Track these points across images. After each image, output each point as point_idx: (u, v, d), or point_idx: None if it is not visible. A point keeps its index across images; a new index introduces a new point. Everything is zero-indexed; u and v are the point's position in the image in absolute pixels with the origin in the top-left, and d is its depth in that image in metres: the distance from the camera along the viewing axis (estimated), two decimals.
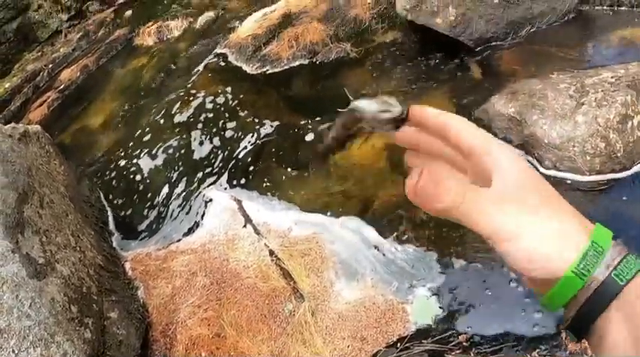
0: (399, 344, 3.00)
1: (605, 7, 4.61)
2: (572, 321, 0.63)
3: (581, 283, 0.59)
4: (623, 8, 4.51)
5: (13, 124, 3.95)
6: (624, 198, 3.22)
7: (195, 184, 4.54)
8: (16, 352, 2.71)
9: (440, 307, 3.10)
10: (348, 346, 3.06)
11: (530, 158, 3.53)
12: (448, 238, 3.43)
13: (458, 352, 2.89)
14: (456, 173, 0.73)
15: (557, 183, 3.32)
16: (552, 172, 3.41)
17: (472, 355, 2.86)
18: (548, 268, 0.61)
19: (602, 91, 3.45)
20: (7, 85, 7.36)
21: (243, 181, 4.38)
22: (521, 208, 0.63)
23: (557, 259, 0.61)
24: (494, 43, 4.67)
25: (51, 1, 8.23)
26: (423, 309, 3.10)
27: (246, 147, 4.68)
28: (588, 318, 0.61)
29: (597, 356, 0.63)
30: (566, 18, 4.59)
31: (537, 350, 2.77)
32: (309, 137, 4.51)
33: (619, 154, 3.28)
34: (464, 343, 2.92)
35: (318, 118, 4.67)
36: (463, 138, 0.68)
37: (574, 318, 0.62)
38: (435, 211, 0.67)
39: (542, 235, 0.61)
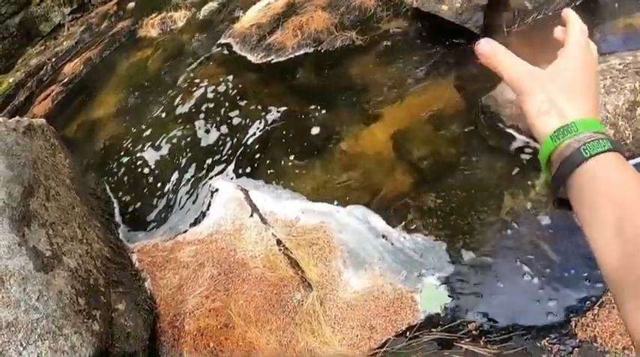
0: (408, 333, 2.98)
1: None
2: (551, 183, 0.79)
3: (552, 145, 0.77)
4: None
5: (17, 118, 3.93)
6: None
7: (202, 175, 4.52)
8: (24, 345, 2.70)
9: (449, 296, 3.07)
10: (357, 335, 3.04)
11: (539, 146, 3.49)
12: (456, 227, 3.40)
13: (467, 340, 2.87)
14: None
15: None
16: None
17: (481, 343, 2.83)
18: (545, 125, 0.79)
19: (610, 77, 3.41)
20: (10, 80, 7.35)
21: (249, 170, 4.36)
22: (552, 84, 0.80)
23: (553, 123, 0.78)
24: (500, 30, 4.62)
25: None
26: (432, 298, 3.08)
27: (251, 136, 4.65)
28: (558, 181, 0.77)
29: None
30: (573, 4, 4.54)
31: (547, 339, 2.75)
32: (315, 130, 4.49)
33: (628, 141, 3.24)
34: (473, 332, 2.89)
35: (323, 107, 4.64)
36: (572, 29, 0.88)
37: (552, 180, 0.79)
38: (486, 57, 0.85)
39: (553, 101, 0.79)
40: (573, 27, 0.88)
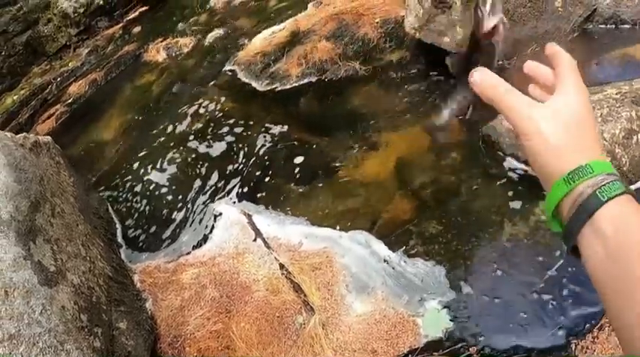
0: (409, 356, 2.99)
1: (608, 26, 4.67)
2: (564, 232, 0.74)
3: (566, 188, 0.72)
4: (625, 26, 4.59)
5: (24, 134, 3.97)
6: None
7: (205, 198, 4.54)
8: None
9: (451, 320, 3.09)
10: None
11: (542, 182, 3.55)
12: (458, 253, 3.44)
13: None
14: None
15: None
16: None
17: None
18: (553, 167, 0.75)
19: (607, 106, 3.48)
20: (15, 97, 7.39)
21: (252, 195, 4.39)
22: (557, 123, 0.77)
23: (564, 168, 0.74)
24: (500, 62, 4.70)
25: (60, 16, 8.29)
26: (434, 321, 3.10)
27: (255, 162, 4.69)
28: (573, 229, 0.71)
29: (585, 265, 0.74)
30: (570, 37, 4.64)
31: None
32: (318, 157, 4.54)
33: (625, 168, 3.30)
34: (474, 355, 2.91)
35: (326, 135, 4.70)
36: (561, 64, 0.86)
37: (564, 230, 0.74)
38: (487, 94, 0.85)
39: (562, 146, 0.75)
40: (562, 61, 0.86)
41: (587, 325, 2.85)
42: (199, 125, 5.39)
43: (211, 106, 5.60)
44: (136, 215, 4.70)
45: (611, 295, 0.67)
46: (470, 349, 2.94)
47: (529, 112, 0.78)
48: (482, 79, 0.86)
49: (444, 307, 3.16)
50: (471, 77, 0.87)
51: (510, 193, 3.64)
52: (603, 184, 0.69)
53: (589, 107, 0.81)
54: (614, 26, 4.64)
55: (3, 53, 7.89)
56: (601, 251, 0.68)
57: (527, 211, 3.49)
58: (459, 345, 2.97)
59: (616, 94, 3.57)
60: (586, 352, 2.73)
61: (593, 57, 4.43)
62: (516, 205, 3.56)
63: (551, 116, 0.77)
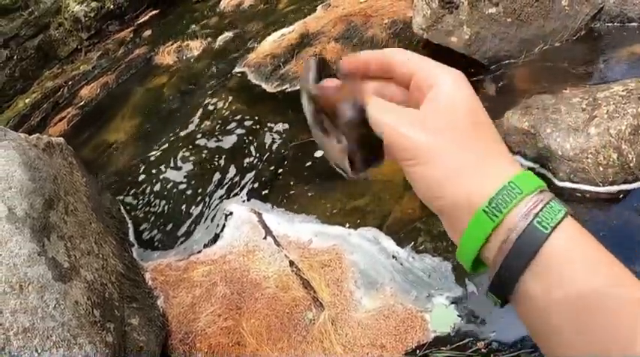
0: (417, 351, 3.01)
1: (615, 24, 4.68)
2: (494, 284, 0.54)
3: (491, 225, 0.51)
4: (633, 24, 4.59)
5: (37, 135, 4.03)
6: (637, 207, 3.25)
7: (215, 198, 4.59)
8: (39, 351, 2.74)
9: (458, 316, 3.11)
10: (368, 354, 3.07)
11: (544, 171, 3.58)
12: None
13: None
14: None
15: (571, 194, 3.36)
16: (567, 184, 3.45)
17: None
18: (459, 196, 0.54)
19: (613, 103, 3.49)
20: (27, 101, 7.49)
21: (262, 194, 4.44)
22: (444, 131, 0.55)
23: (473, 192, 0.53)
24: (507, 61, 4.74)
25: (71, 20, 8.39)
26: (442, 317, 3.12)
27: (265, 162, 4.74)
28: (507, 280, 0.52)
29: (521, 318, 0.56)
30: (577, 35, 4.66)
31: None
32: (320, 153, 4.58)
33: (631, 165, 3.31)
34: (482, 350, 2.92)
35: None
36: (409, 64, 0.61)
37: (495, 280, 0.53)
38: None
39: (461, 163, 0.54)
40: (399, 56, 0.62)
41: None
42: (209, 126, 5.45)
43: (221, 108, 5.66)
44: (148, 215, 4.76)
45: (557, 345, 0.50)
46: (478, 343, 2.96)
47: (398, 124, 0.56)
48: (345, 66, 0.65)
49: (452, 302, 3.18)
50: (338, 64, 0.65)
51: None
52: (541, 208, 0.50)
53: (476, 97, 0.59)
54: (620, 24, 4.65)
55: (15, 57, 8.00)
56: (545, 298, 0.50)
57: None
58: (467, 340, 2.99)
59: (622, 91, 3.59)
60: None
61: (600, 55, 4.44)
62: None
63: (434, 122, 0.55)
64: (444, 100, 0.57)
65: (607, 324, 0.46)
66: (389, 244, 3.64)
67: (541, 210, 0.50)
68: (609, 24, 4.71)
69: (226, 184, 4.70)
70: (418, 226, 3.71)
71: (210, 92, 6.07)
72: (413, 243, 3.59)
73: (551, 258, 0.49)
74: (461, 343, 2.98)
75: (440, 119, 0.55)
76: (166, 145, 5.47)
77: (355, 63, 0.65)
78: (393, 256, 3.54)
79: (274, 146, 4.88)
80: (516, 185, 0.51)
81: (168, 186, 4.94)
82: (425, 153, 0.54)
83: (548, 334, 0.51)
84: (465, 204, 0.53)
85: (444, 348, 2.98)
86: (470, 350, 2.93)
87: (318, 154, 4.59)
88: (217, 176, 4.82)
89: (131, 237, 4.56)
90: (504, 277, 0.51)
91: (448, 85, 0.57)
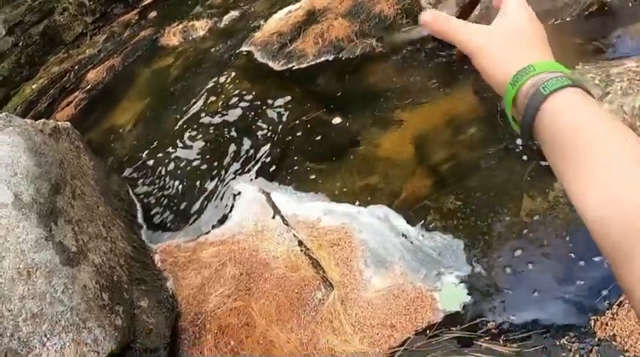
0: (428, 331, 2.99)
1: None
2: (520, 131, 0.77)
3: (513, 91, 0.75)
4: None
5: (43, 120, 4.01)
6: None
7: (224, 178, 4.57)
8: (48, 336, 2.75)
9: (468, 295, 3.08)
10: (378, 334, 3.06)
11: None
12: (476, 228, 3.41)
13: (487, 339, 2.87)
14: None
15: None
16: None
17: (501, 342, 2.83)
18: (499, 77, 0.79)
19: (627, 79, 3.41)
20: (33, 87, 7.48)
21: (271, 174, 4.41)
22: (496, 38, 0.82)
23: (507, 73, 0.77)
24: None
25: (76, 5, 8.34)
26: (451, 296, 3.09)
27: (273, 141, 4.70)
28: (525, 128, 0.75)
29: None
30: (589, 10, 4.55)
31: (566, 337, 2.74)
32: (336, 135, 4.54)
33: None
34: (493, 330, 2.89)
35: (344, 112, 4.68)
36: None
37: (520, 129, 0.77)
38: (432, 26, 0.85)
39: (503, 56, 0.80)
40: None
41: (607, 302, 2.79)
42: (217, 106, 5.41)
43: (228, 87, 5.61)
44: (157, 196, 4.75)
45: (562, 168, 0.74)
46: (488, 323, 2.93)
47: (468, 35, 0.83)
48: (426, 17, 0.87)
49: (462, 281, 3.15)
50: (421, 21, 0.88)
51: (529, 168, 3.60)
52: (547, 80, 0.72)
53: (533, 23, 0.85)
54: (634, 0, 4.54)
55: (20, 44, 7.97)
56: (549, 140, 0.74)
57: (546, 186, 3.43)
58: (477, 320, 2.96)
59: (636, 66, 3.50)
60: (605, 328, 2.70)
61: (613, 30, 4.34)
62: (535, 180, 3.51)
63: (490, 33, 0.83)
64: (503, 15, 0.85)
65: (578, 149, 0.69)
66: (399, 222, 3.60)
67: (548, 81, 0.72)
68: None
69: (234, 163, 4.67)
70: (428, 204, 3.67)
71: (216, 72, 6.01)
72: (423, 221, 3.55)
73: (547, 115, 0.72)
74: (471, 323, 2.95)
75: (495, 29, 0.83)
76: (174, 126, 5.44)
77: None
78: (403, 235, 3.50)
79: (282, 124, 4.83)
80: (533, 67, 0.75)
81: (176, 166, 4.92)
82: (479, 50, 0.82)
83: (552, 162, 0.75)
84: (502, 82, 0.78)
85: (454, 328, 2.95)
86: (480, 331, 2.90)
87: (327, 131, 4.55)
88: (225, 156, 4.79)
89: (140, 219, 4.56)
90: (524, 128, 0.75)
91: (511, 7, 0.85)
